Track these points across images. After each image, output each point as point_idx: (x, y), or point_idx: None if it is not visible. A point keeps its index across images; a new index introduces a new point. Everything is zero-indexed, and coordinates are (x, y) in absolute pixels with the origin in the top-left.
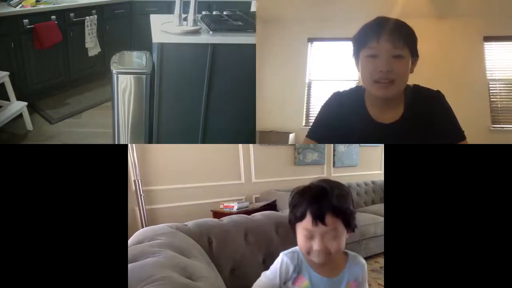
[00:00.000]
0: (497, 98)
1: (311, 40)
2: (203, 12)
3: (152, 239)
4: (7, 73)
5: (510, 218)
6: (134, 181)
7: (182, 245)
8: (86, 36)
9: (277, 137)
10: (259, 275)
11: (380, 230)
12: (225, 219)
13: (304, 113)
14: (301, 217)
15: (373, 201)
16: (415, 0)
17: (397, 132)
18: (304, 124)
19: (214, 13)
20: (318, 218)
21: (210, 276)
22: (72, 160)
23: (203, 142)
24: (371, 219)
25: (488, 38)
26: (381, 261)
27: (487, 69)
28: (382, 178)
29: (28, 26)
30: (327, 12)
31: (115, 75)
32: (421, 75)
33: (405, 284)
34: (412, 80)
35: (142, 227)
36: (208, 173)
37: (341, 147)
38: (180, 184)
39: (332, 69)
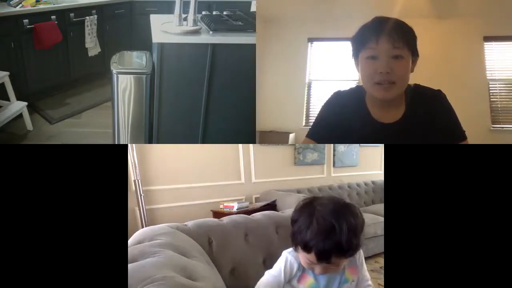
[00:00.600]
0: (497, 98)
1: (311, 40)
2: (203, 12)
3: (152, 239)
4: (7, 73)
5: (510, 218)
6: (134, 181)
7: (182, 245)
8: (86, 36)
9: (277, 137)
10: (259, 275)
11: (380, 230)
12: (225, 219)
13: (304, 113)
14: (305, 249)
15: (373, 201)
16: (415, 0)
17: (398, 131)
18: (304, 124)
19: (214, 13)
20: (324, 259)
21: (210, 276)
22: (72, 160)
23: (203, 142)
24: (371, 219)
25: (488, 38)
26: (381, 261)
27: (487, 69)
28: (382, 178)
29: (28, 26)
30: (327, 12)
31: (115, 75)
32: (421, 75)
33: (405, 284)
34: (412, 80)
35: (142, 227)
36: (208, 173)
37: (341, 147)
38: (180, 184)
39: (332, 69)
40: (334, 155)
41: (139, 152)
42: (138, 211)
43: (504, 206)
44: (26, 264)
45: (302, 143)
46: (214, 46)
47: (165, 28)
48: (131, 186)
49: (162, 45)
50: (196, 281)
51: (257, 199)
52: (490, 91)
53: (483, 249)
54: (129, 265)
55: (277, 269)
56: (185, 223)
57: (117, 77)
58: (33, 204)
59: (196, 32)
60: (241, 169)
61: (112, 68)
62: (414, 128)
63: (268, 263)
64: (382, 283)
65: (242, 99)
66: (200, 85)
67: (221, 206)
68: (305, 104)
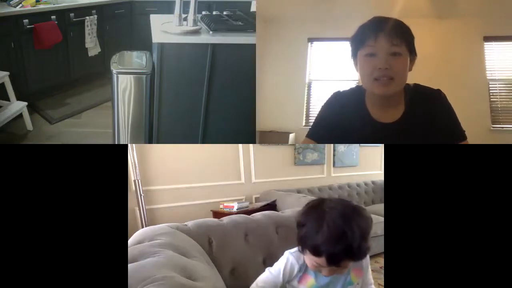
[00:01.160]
0: (497, 98)
1: (311, 40)
2: (203, 12)
3: (152, 239)
4: (7, 73)
5: (510, 218)
6: (134, 181)
7: (182, 245)
8: (86, 36)
9: (277, 137)
10: (259, 275)
11: (380, 230)
12: (225, 219)
13: (304, 113)
14: (315, 254)
15: (373, 201)
16: (415, 0)
17: (398, 131)
18: (304, 124)
19: (214, 13)
20: (334, 263)
21: (210, 276)
22: (72, 160)
23: (203, 142)
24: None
25: (488, 38)
26: (381, 261)
27: (487, 69)
28: (382, 178)
29: (28, 26)
30: (327, 12)
31: (115, 75)
32: (421, 75)
33: (405, 284)
34: (412, 79)
35: (142, 227)
36: (208, 173)
37: (341, 147)
38: (180, 184)
39: (332, 69)
40: (334, 155)
41: (139, 152)
42: (138, 211)
43: (504, 206)
44: (26, 264)
45: (302, 143)
46: (214, 46)
47: (165, 28)
48: (131, 186)
49: (162, 45)
50: (196, 281)
51: (257, 199)
52: (490, 91)
53: (483, 249)
54: (129, 265)
55: (277, 269)
56: (185, 223)
57: (117, 77)
58: (33, 204)
59: (196, 32)
60: (241, 169)
61: (112, 68)
62: (413, 128)
63: (268, 263)
64: (382, 283)
65: (242, 99)
66: (200, 85)
67: (221, 206)
68: (305, 104)
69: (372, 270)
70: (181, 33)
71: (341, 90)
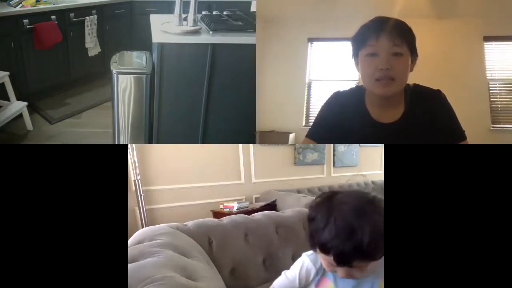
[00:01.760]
0: (497, 98)
1: (311, 40)
2: (203, 12)
3: (152, 239)
4: (7, 73)
5: (510, 218)
6: (134, 181)
7: (182, 245)
8: (86, 36)
9: (277, 137)
10: (259, 275)
11: None
12: (225, 219)
13: (304, 113)
14: (323, 251)
15: None
16: (415, 0)
17: (398, 132)
18: (304, 124)
19: (214, 13)
20: (344, 262)
21: (210, 276)
22: (72, 160)
23: (203, 142)
24: None
25: (488, 38)
26: None
27: (487, 69)
28: (382, 178)
29: (28, 26)
30: (327, 12)
31: (115, 75)
32: (421, 75)
33: (405, 284)
34: (412, 80)
35: (142, 227)
36: (208, 173)
37: (341, 147)
38: (180, 184)
39: (332, 69)
40: (334, 155)
41: (139, 152)
42: (138, 211)
43: (504, 206)
44: (26, 264)
45: (302, 143)
46: (214, 46)
47: (165, 28)
48: (131, 186)
49: (162, 45)
50: (196, 281)
51: (257, 199)
52: (490, 91)
53: (483, 249)
54: (129, 265)
55: (293, 273)
56: (185, 223)
57: (117, 77)
58: (33, 204)
59: (196, 32)
60: (241, 169)
61: (112, 68)
62: (413, 128)
63: (268, 263)
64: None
65: (242, 99)
66: (200, 85)
67: (221, 206)
68: (305, 104)
69: None
70: (181, 33)
71: (341, 90)
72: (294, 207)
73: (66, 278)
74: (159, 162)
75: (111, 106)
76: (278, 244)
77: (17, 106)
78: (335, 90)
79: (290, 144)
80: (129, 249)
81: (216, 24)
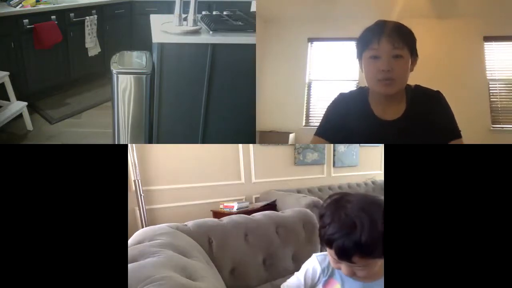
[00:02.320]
0: (497, 98)
1: (311, 40)
2: (203, 12)
3: (152, 239)
4: (7, 73)
5: (510, 218)
6: (134, 181)
7: (182, 245)
8: (86, 36)
9: (277, 137)
10: (259, 275)
11: None
12: (225, 219)
13: (304, 113)
14: (327, 245)
15: None
16: (415, 0)
17: (400, 130)
18: (304, 124)
19: (214, 13)
20: (344, 256)
21: (210, 276)
22: (72, 160)
23: (203, 142)
24: None
25: (488, 38)
26: None
27: (487, 69)
28: (382, 178)
29: (28, 26)
30: (327, 12)
31: (115, 75)
32: (421, 75)
33: (405, 284)
34: (412, 79)
35: (142, 227)
36: (208, 173)
37: (341, 147)
38: (180, 184)
39: (332, 69)
40: (334, 155)
41: (139, 152)
42: (138, 211)
43: (504, 206)
44: (26, 264)
45: (311, 143)
46: (214, 46)
47: (165, 28)
48: (131, 186)
49: (162, 45)
50: (196, 281)
51: (257, 199)
52: (490, 91)
53: (483, 249)
54: (129, 265)
55: (301, 274)
56: (185, 223)
57: (117, 77)
58: (33, 204)
59: (196, 32)
60: (241, 169)
61: (112, 68)
62: (414, 126)
63: (268, 263)
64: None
65: (242, 99)
66: (200, 85)
67: (221, 206)
68: (305, 104)
69: None
70: (181, 33)
71: (345, 91)
72: (294, 207)
73: (66, 278)
74: (159, 162)
75: (111, 106)
76: (278, 244)
77: (17, 106)
78: (338, 91)
79: (290, 144)
80: (129, 249)
81: (216, 24)
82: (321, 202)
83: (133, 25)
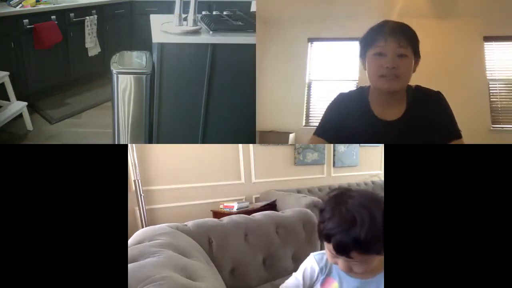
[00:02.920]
0: (497, 98)
1: (311, 40)
2: (203, 12)
3: (152, 239)
4: (7, 73)
5: (510, 218)
6: (134, 181)
7: (182, 245)
8: (86, 36)
9: (277, 137)
10: (259, 275)
11: None
12: (225, 219)
13: (304, 113)
14: (326, 239)
15: None
16: (415, 0)
17: (400, 129)
18: (304, 124)
19: (214, 13)
20: (342, 251)
21: (210, 276)
22: (72, 160)
23: (203, 142)
24: None
25: (488, 38)
26: None
27: (487, 69)
28: (382, 178)
29: (28, 26)
30: (327, 12)
31: (115, 75)
32: (422, 75)
33: (405, 284)
34: (412, 79)
35: (142, 227)
36: (208, 173)
37: (341, 147)
38: (180, 184)
39: (332, 69)
40: (334, 155)
41: (139, 152)
42: (138, 211)
43: (504, 206)
44: (26, 264)
45: (309, 143)
46: (214, 46)
47: (165, 28)
48: (131, 186)
49: (162, 45)
50: (196, 281)
51: (257, 199)
52: (490, 91)
53: (483, 249)
54: (129, 265)
55: (299, 273)
56: (185, 223)
57: (117, 77)
58: (33, 204)
59: (196, 32)
60: (241, 169)
61: (112, 68)
62: (414, 126)
63: (268, 263)
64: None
65: (242, 99)
66: (200, 85)
67: (221, 206)
68: (305, 104)
69: None
70: (181, 33)
71: (345, 91)
72: (294, 207)
73: (66, 278)
74: (159, 162)
75: (111, 106)
76: (278, 244)
77: (17, 106)
78: (338, 91)
79: (290, 144)
80: (129, 249)
81: (216, 24)
82: (321, 202)
83: (133, 25)
